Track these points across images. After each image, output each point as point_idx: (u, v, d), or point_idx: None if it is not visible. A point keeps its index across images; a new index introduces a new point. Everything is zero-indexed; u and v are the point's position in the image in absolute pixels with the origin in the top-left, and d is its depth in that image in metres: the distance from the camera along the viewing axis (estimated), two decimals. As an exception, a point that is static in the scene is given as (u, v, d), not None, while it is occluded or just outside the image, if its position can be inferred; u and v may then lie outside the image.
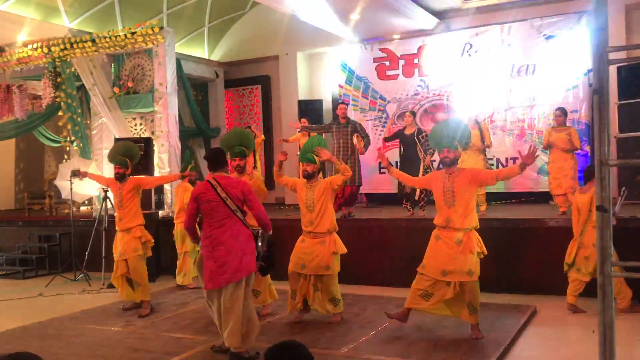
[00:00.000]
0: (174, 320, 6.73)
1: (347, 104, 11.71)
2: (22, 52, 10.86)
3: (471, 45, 10.88)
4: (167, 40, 10.18)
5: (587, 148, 9.74)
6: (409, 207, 8.86)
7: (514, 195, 10.41)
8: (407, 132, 8.85)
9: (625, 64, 8.77)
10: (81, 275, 9.33)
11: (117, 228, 7.22)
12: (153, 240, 7.46)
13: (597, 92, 2.11)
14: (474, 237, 5.46)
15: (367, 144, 9.16)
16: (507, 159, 10.56)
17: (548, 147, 8.36)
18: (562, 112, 8.46)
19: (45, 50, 10.62)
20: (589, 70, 9.99)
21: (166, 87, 10.19)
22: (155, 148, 10.05)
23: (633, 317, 6.20)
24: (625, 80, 9.36)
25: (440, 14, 10.92)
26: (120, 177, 7.12)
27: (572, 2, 10.10)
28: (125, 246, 7.06)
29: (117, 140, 9.72)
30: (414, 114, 9.09)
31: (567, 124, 8.68)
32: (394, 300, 7.23)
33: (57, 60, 10.66)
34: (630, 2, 9.95)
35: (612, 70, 9.64)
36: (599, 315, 2.13)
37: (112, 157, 7.32)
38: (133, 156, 7.33)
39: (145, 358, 5.38)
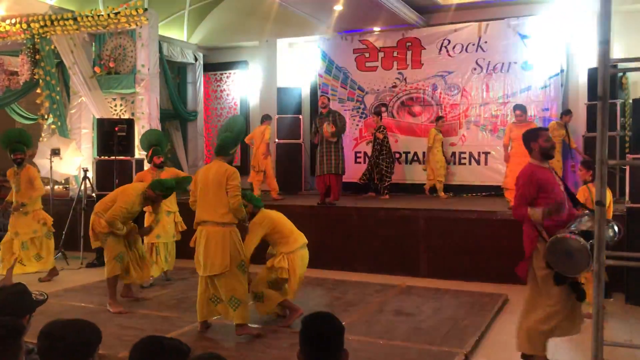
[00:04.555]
0: (160, 299, 6.88)
1: (327, 94, 11.92)
2: (0, 27, 10.68)
3: (449, 41, 11.17)
4: (151, 22, 10.16)
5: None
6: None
7: (485, 188, 10.77)
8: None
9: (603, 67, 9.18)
10: (59, 254, 9.31)
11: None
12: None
13: (602, 99, 2.36)
14: None
15: (342, 130, 9.62)
16: (479, 152, 10.92)
17: (509, 144, 8.73)
18: (522, 112, 8.84)
19: (25, 26, 10.45)
20: (561, 71, 10.40)
21: (148, 69, 10.18)
22: (136, 130, 10.06)
23: (622, 315, 6.45)
24: (596, 82, 9.79)
25: (420, 9, 11.15)
26: None
27: (548, 4, 10.45)
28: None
29: (99, 120, 9.70)
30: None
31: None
32: (372, 285, 7.52)
33: (36, 36, 10.50)
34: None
35: (583, 72, 10.08)
36: (594, 298, 2.39)
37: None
38: None
39: (136, 335, 5.47)
